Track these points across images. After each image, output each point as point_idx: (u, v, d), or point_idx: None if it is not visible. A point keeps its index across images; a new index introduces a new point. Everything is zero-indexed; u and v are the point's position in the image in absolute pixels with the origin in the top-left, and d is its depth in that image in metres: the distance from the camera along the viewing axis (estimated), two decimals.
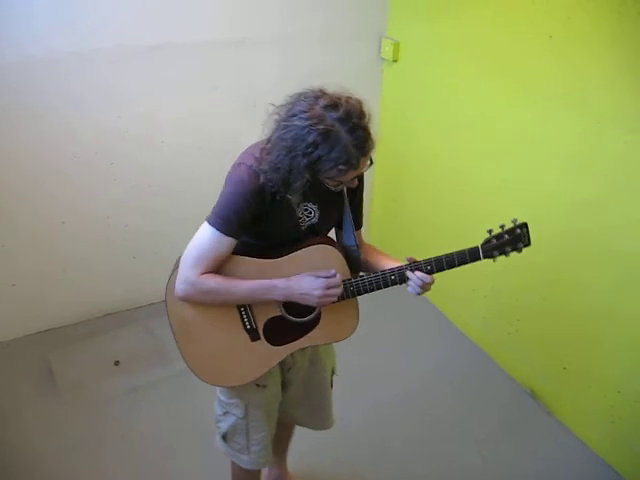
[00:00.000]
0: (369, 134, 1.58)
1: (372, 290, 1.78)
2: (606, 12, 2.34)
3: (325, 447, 2.64)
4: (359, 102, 1.59)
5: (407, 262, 1.78)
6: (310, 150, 1.52)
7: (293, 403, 2.16)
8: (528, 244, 1.76)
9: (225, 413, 2.03)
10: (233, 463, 2.20)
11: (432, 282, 1.77)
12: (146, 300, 3.61)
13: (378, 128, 3.81)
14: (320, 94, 1.58)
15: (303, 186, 1.60)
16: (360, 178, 1.85)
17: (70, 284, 3.41)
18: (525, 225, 1.75)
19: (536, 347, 3.05)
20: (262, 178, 1.62)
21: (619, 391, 2.66)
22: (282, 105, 1.61)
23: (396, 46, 3.46)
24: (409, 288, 1.78)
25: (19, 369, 3.18)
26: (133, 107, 3.14)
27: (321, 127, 1.51)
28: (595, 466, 2.76)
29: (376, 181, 3.96)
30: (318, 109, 1.54)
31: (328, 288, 1.70)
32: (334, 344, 2.17)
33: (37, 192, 3.12)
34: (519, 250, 1.76)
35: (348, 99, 1.57)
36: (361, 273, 1.85)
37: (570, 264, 2.77)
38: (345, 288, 1.77)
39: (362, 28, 3.52)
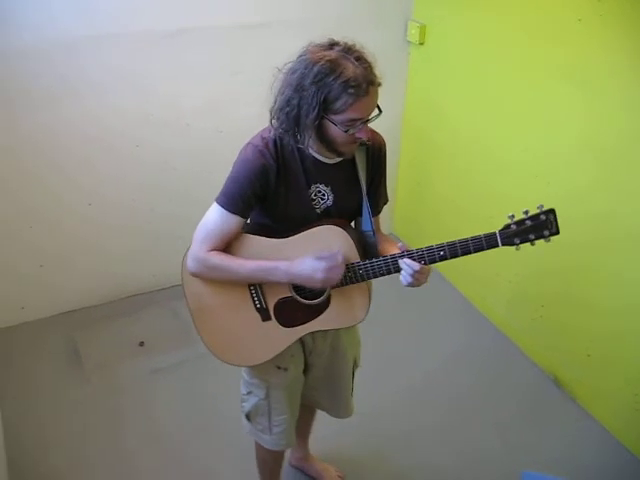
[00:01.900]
0: (373, 69, 1.58)
1: (382, 274, 1.74)
2: None
3: (347, 431, 2.65)
4: (361, 46, 1.61)
5: (399, 251, 1.72)
6: (318, 78, 1.53)
7: (314, 386, 2.17)
8: (556, 232, 1.63)
9: (249, 393, 2.05)
10: (257, 443, 2.22)
11: (427, 273, 1.70)
12: (170, 282, 3.64)
13: (404, 110, 3.79)
14: (319, 42, 1.62)
15: (314, 122, 1.58)
16: (381, 161, 1.85)
17: (96, 265, 3.45)
18: (552, 212, 1.62)
19: (560, 334, 3.03)
20: (271, 149, 1.66)
21: None
22: (286, 64, 1.64)
23: (422, 29, 3.43)
24: (401, 277, 1.71)
25: (45, 349, 3.23)
26: (157, 91, 3.15)
27: (326, 56, 1.54)
28: (618, 453, 2.74)
29: (401, 164, 3.95)
30: (319, 48, 1.58)
31: (330, 270, 1.68)
32: (359, 335, 2.18)
33: (62, 175, 3.16)
34: (546, 239, 1.65)
35: (346, 42, 1.60)
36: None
37: (594, 248, 2.74)
38: (354, 271, 1.75)
39: (388, 11, 3.49)
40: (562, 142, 2.77)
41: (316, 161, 1.72)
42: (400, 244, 1.75)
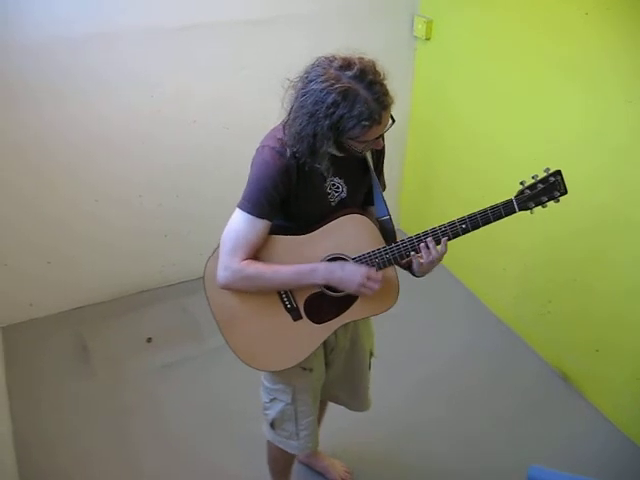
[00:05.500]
0: (387, 89, 1.58)
1: (407, 255, 1.76)
2: None
3: (354, 426, 2.65)
4: (372, 61, 1.59)
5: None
6: (331, 111, 1.53)
7: (334, 383, 2.16)
8: (565, 192, 1.71)
9: (272, 400, 2.02)
10: (270, 443, 2.21)
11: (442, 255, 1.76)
12: (178, 278, 3.66)
13: (411, 106, 3.78)
14: (333, 58, 1.59)
15: (330, 151, 1.62)
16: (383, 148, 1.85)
17: (103, 262, 3.46)
18: (559, 173, 1.70)
19: (568, 328, 3.02)
20: (288, 152, 1.65)
21: None
22: (298, 77, 1.63)
23: (429, 24, 3.41)
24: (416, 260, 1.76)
25: (53, 346, 3.24)
26: (163, 87, 3.15)
27: (338, 86, 1.52)
28: (625, 448, 2.74)
29: (408, 159, 3.95)
30: (333, 71, 1.55)
31: (369, 278, 1.71)
32: (373, 325, 2.18)
33: (68, 171, 3.16)
34: (556, 199, 1.72)
35: (360, 59, 1.58)
36: None
37: (597, 240, 2.74)
38: (381, 256, 1.77)
39: (394, 6, 3.48)
40: (569, 136, 2.76)
41: (330, 155, 1.71)
42: None
